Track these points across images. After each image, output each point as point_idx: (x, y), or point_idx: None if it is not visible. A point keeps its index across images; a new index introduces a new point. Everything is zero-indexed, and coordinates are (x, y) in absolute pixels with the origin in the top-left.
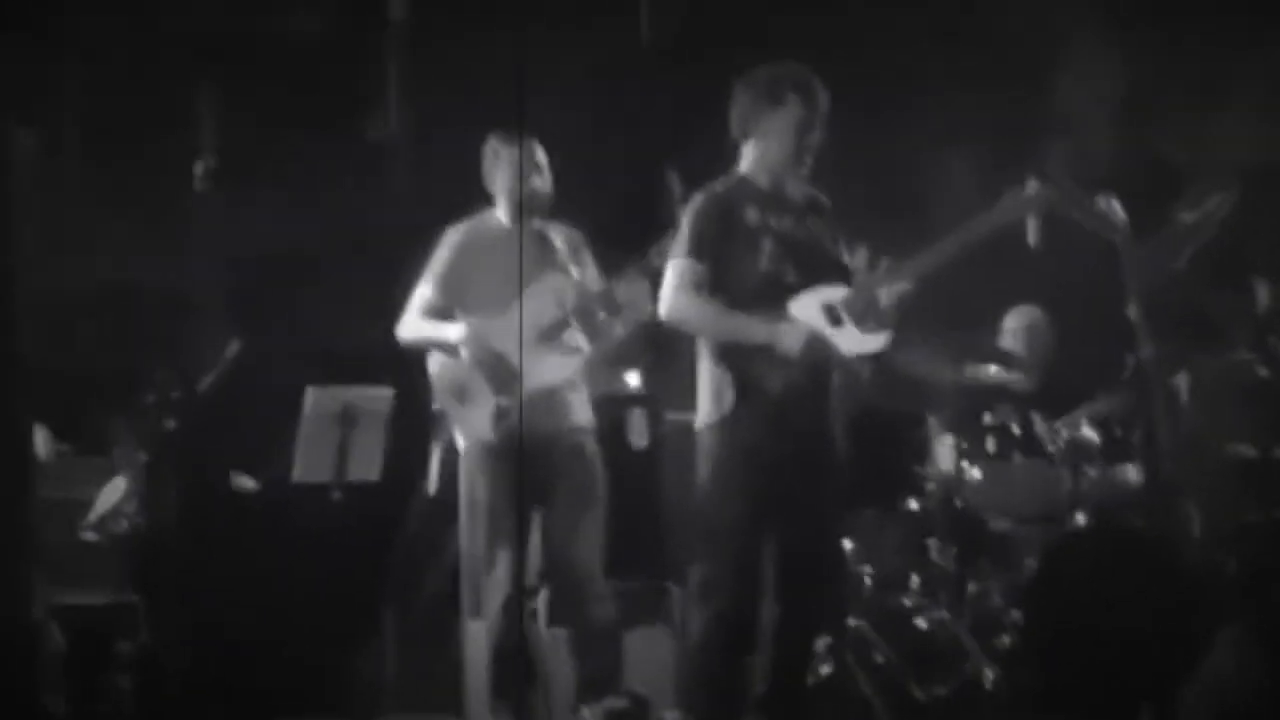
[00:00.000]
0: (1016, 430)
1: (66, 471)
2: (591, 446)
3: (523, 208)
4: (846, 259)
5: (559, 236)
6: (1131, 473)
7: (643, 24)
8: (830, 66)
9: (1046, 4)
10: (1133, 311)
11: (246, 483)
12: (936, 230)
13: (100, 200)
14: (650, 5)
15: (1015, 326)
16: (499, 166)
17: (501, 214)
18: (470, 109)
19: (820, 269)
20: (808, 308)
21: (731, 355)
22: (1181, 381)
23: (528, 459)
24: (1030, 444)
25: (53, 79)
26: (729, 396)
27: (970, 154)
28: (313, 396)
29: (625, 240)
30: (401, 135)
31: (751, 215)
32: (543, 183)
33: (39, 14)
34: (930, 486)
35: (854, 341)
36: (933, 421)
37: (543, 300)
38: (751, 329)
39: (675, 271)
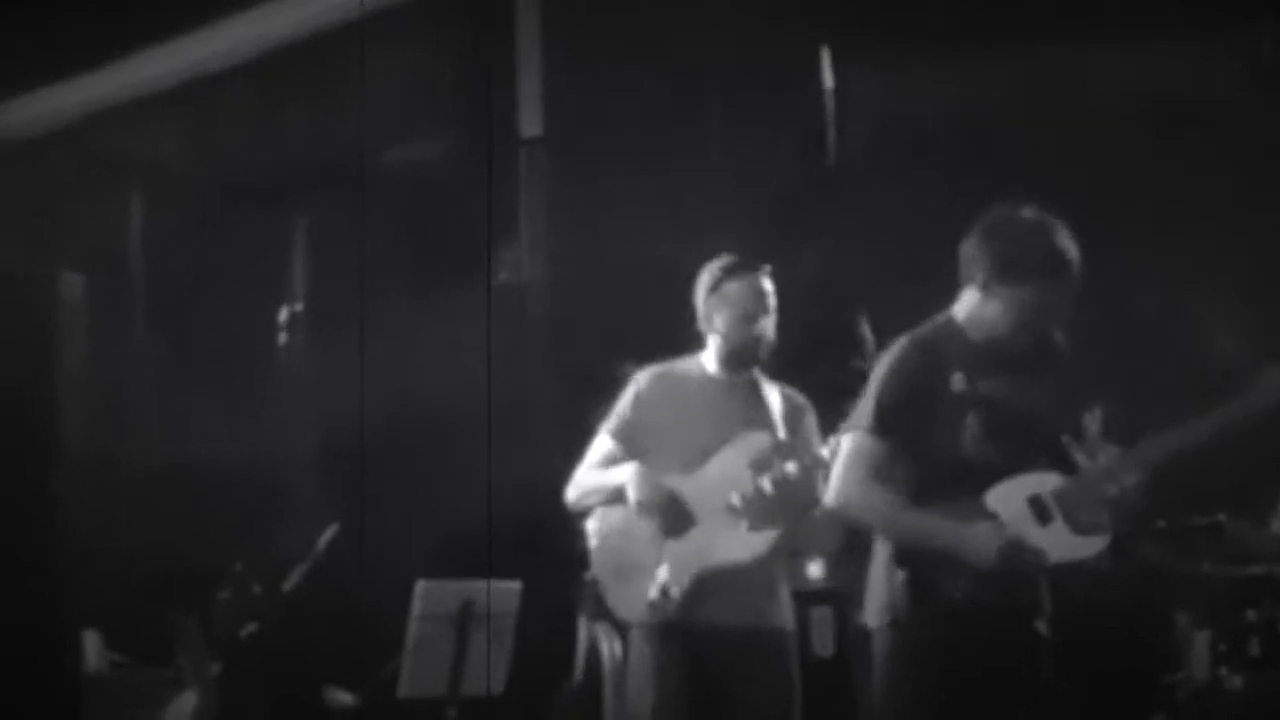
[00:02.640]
0: None
1: (123, 686)
2: (794, 657)
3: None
4: (1067, 438)
5: (776, 395)
6: None
7: (829, 142)
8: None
9: None
10: None
11: (343, 698)
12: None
13: (163, 359)
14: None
15: None
16: (723, 303)
17: (710, 359)
18: (618, 242)
19: (1033, 449)
20: (1010, 500)
21: (909, 556)
22: None
23: (710, 654)
24: None
25: (107, 215)
26: (902, 600)
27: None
28: (424, 592)
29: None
30: (535, 276)
31: (958, 381)
32: (769, 327)
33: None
34: (1183, 698)
35: (1065, 544)
36: (1184, 620)
37: (737, 463)
38: (934, 530)
39: (852, 449)
